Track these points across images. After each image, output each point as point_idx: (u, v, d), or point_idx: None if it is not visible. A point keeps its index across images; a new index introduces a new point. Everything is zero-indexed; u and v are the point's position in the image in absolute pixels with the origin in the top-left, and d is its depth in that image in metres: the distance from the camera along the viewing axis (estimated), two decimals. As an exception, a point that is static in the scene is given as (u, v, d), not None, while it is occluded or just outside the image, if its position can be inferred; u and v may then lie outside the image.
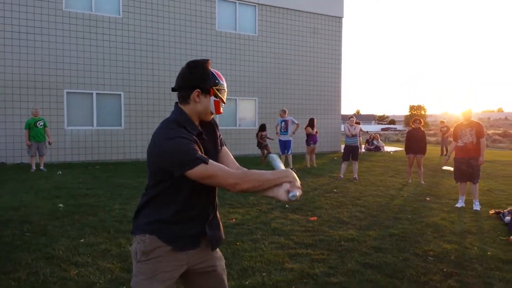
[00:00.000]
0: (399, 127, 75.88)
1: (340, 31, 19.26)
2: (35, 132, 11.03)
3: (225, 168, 1.75)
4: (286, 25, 17.74)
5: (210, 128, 1.99)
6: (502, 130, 42.30)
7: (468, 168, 7.10)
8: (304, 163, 13.30)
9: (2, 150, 12.71)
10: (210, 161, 1.73)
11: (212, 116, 1.96)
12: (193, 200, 1.85)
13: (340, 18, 19.19)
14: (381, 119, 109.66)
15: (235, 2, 16.56)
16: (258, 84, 17.15)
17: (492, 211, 6.71)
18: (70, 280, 3.64)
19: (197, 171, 1.70)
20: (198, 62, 1.88)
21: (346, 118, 11.17)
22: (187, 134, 1.77)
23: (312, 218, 6.13)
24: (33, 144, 11.00)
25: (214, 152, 1.95)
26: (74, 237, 4.95)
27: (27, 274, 3.74)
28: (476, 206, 7.04)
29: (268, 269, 4.01)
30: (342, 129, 17.19)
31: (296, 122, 12.10)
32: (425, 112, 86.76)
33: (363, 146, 19.14)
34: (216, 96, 1.88)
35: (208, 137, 1.95)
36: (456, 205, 7.22)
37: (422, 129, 10.36)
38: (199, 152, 1.74)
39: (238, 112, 16.72)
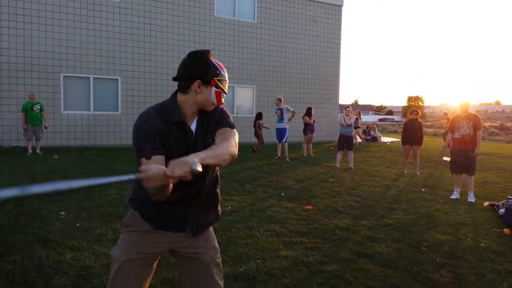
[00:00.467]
0: (396, 118, 75.86)
1: (339, 20, 19.12)
2: (32, 116, 10.97)
3: (155, 167, 1.61)
4: (286, 13, 17.60)
5: (208, 117, 1.94)
6: (499, 123, 42.42)
7: (464, 160, 7.12)
8: (301, 152, 13.31)
9: (-2, 133, 12.66)
10: (153, 158, 1.72)
11: (214, 106, 1.93)
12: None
13: (340, 6, 19.04)
14: (379, 110, 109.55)
15: (235, -12, 16.39)
16: (256, 72, 17.07)
17: (486, 203, 6.75)
18: (65, 263, 3.65)
19: (141, 161, 1.76)
20: (200, 53, 1.87)
21: (343, 108, 11.17)
22: (154, 121, 1.79)
23: (307, 207, 6.16)
24: (29, 128, 10.95)
25: (192, 144, 1.86)
26: (69, 221, 4.95)
27: (22, 257, 3.74)
28: (471, 198, 7.08)
29: (263, 256, 4.03)
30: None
31: (291, 109, 12.05)
32: (422, 103, 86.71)
33: (358, 137, 19.08)
34: (217, 86, 1.87)
35: (199, 128, 1.91)
36: (451, 197, 7.26)
37: (419, 120, 10.37)
38: (153, 144, 1.76)
39: (236, 100, 16.66)
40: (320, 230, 4.99)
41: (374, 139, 21.29)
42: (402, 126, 11.30)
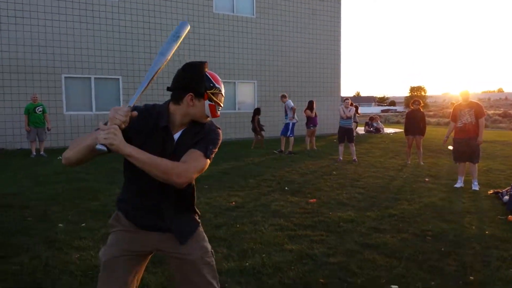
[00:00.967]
0: (399, 108, 75.60)
1: (339, 12, 19.03)
2: (34, 118, 11.02)
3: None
4: (285, 7, 17.53)
5: (194, 132, 1.86)
6: (502, 110, 42.18)
7: (467, 149, 7.10)
8: (304, 146, 13.31)
9: (1, 136, 12.69)
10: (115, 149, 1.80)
11: (208, 119, 1.89)
12: (134, 185, 1.94)
13: (339, -2, 18.96)
14: (381, 101, 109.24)
15: (233, -16, 16.33)
16: (257, 67, 17.03)
17: (490, 191, 6.74)
18: (72, 263, 3.68)
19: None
20: (194, 65, 1.84)
21: (343, 100, 11.17)
22: (142, 114, 1.90)
23: (311, 200, 6.17)
24: (32, 130, 11.00)
25: (167, 152, 1.81)
26: (75, 221, 4.98)
27: (29, 258, 3.78)
28: (475, 186, 7.07)
29: (268, 250, 4.05)
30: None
31: (291, 106, 12.04)
32: (425, 93, 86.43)
33: (359, 128, 19.01)
34: (210, 100, 1.83)
35: (182, 138, 1.85)
36: (455, 186, 7.25)
37: (421, 110, 10.35)
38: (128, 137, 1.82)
39: (237, 96, 16.65)
40: (325, 223, 5.00)
41: (377, 130, 21.22)
42: (405, 116, 11.27)
